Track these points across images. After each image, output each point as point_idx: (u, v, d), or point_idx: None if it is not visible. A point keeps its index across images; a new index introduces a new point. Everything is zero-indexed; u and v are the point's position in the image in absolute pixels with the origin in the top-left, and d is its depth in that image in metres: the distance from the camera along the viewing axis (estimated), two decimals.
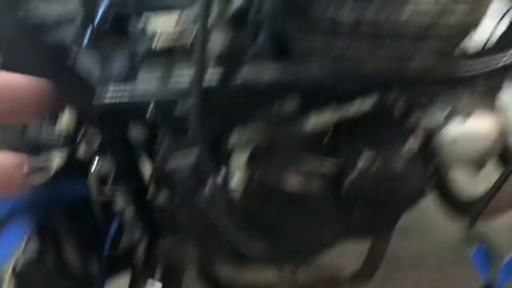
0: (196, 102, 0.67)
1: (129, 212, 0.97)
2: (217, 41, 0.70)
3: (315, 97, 0.77)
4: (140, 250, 1.15)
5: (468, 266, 1.40)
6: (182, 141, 0.80)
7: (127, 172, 0.93)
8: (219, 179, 0.78)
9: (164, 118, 0.79)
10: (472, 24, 0.67)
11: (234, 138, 0.79)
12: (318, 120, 0.73)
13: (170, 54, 0.75)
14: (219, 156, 0.80)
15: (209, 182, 0.76)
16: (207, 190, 0.80)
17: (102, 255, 1.04)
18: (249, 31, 0.76)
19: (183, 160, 0.80)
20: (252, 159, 0.79)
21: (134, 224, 1.07)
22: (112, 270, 1.13)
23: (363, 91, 0.72)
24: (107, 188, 0.92)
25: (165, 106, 0.77)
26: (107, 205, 0.96)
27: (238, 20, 0.75)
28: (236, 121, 0.79)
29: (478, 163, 0.78)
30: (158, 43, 0.75)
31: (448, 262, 1.49)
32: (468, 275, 1.38)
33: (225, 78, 0.70)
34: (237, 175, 0.78)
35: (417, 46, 0.67)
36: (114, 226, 1.03)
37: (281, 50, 0.74)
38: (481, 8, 0.66)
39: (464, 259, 1.46)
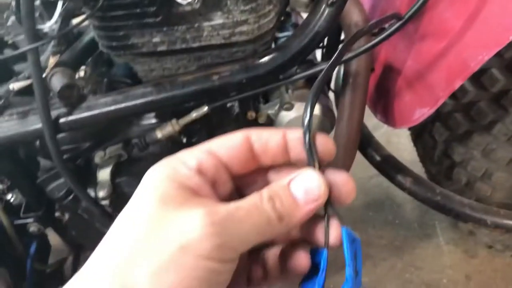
0: (48, 137, 0.67)
1: None
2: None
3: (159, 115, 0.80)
4: (68, 266, 1.13)
5: None
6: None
7: (35, 200, 0.91)
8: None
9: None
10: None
11: (97, 158, 0.79)
12: (165, 131, 0.74)
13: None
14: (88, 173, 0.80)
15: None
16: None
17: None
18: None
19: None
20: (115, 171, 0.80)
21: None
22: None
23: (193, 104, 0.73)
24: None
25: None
26: (23, 231, 0.93)
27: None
28: (96, 143, 0.80)
29: None
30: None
31: None
32: None
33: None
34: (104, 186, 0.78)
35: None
36: (33, 248, 0.99)
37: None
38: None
39: None
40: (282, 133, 0.40)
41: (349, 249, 0.38)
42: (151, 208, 0.34)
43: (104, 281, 0.32)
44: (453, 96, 0.96)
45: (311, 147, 0.39)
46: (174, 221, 0.34)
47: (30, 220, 0.93)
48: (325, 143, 0.40)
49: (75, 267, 1.10)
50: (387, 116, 0.84)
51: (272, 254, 0.42)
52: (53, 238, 1.10)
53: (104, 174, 0.77)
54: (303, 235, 0.41)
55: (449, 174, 1.14)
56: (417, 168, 1.26)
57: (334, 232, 0.39)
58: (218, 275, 0.34)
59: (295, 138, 0.40)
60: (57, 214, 0.92)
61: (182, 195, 0.35)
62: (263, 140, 0.39)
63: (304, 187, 0.37)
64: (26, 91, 0.73)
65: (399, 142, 1.71)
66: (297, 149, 0.40)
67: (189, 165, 0.37)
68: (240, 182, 0.40)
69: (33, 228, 0.94)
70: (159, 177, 0.36)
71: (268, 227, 0.36)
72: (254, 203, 0.36)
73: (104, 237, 0.35)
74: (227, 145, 0.39)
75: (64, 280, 1.11)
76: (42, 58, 0.74)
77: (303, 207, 0.37)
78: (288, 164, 0.41)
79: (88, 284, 0.33)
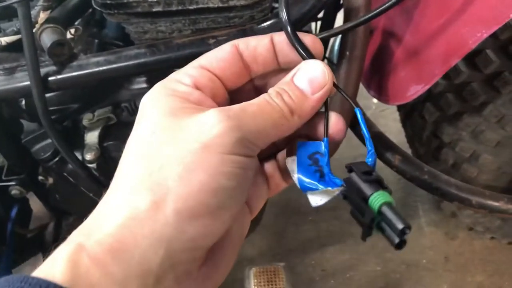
0: (37, 95, 0.65)
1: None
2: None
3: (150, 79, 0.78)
4: (49, 232, 1.11)
5: None
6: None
7: (18, 163, 0.89)
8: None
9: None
10: None
11: (85, 120, 0.78)
12: None
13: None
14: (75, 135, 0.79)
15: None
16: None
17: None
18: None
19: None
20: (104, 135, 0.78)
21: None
22: (23, 253, 1.08)
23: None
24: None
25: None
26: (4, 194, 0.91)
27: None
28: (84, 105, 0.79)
29: None
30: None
31: None
32: None
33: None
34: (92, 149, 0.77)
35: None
36: (14, 211, 0.97)
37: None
38: None
39: None
40: (269, 37, 0.40)
41: (365, 125, 0.39)
42: (164, 119, 0.34)
43: (134, 191, 0.32)
44: (446, 76, 0.96)
45: (300, 41, 0.40)
46: (191, 124, 0.33)
47: (12, 183, 0.91)
48: (311, 39, 0.41)
49: (57, 234, 1.09)
50: (381, 92, 0.84)
51: (282, 156, 0.43)
52: (33, 206, 1.09)
53: (92, 137, 0.76)
54: (308, 133, 0.42)
55: (437, 154, 1.15)
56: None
57: (335, 123, 0.40)
58: (244, 170, 0.34)
59: (282, 39, 0.40)
60: (40, 178, 0.91)
61: (189, 107, 0.35)
62: (251, 47, 0.39)
63: (308, 77, 0.38)
64: (13, 47, 0.71)
65: (386, 125, 1.72)
66: (285, 50, 0.40)
67: (185, 83, 0.36)
68: (237, 101, 0.39)
69: (15, 191, 0.92)
70: (159, 97, 0.35)
71: (282, 121, 0.36)
72: (264, 100, 0.36)
73: (122, 156, 0.35)
74: (217, 58, 0.38)
75: (45, 246, 1.10)
76: (32, 13, 0.71)
77: (312, 97, 0.37)
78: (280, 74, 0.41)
79: (117, 197, 0.33)
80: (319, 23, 0.98)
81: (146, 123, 0.35)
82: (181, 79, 0.37)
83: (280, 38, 0.40)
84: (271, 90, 0.37)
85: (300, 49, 0.39)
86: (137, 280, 0.31)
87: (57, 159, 0.79)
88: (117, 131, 0.78)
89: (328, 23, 0.90)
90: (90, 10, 0.79)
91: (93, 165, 0.76)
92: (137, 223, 0.31)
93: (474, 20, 0.66)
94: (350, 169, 0.37)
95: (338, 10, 0.89)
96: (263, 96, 0.37)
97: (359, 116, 0.40)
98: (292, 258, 1.40)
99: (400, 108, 1.32)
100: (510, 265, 1.37)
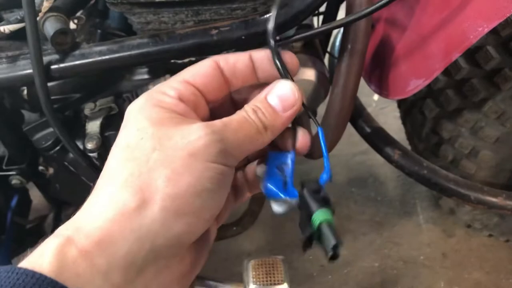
0: (39, 83, 0.65)
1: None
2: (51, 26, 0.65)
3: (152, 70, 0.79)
4: (48, 223, 1.12)
5: None
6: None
7: (19, 153, 0.89)
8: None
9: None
10: None
11: (87, 110, 0.78)
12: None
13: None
14: (77, 125, 0.80)
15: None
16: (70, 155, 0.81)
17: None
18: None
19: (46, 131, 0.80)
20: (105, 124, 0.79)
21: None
22: (22, 244, 1.08)
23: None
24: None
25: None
26: (5, 183, 0.91)
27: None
28: (86, 95, 0.79)
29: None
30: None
31: None
32: None
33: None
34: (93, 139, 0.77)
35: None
36: (14, 201, 0.98)
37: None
38: None
39: None
40: (248, 54, 0.44)
41: (325, 145, 0.43)
42: (151, 127, 0.37)
43: (123, 189, 0.35)
44: (447, 72, 0.97)
45: (280, 59, 0.44)
46: (178, 134, 0.37)
47: (12, 172, 0.92)
48: (289, 57, 0.44)
49: (56, 225, 1.09)
50: (381, 86, 0.84)
51: (250, 169, 0.47)
52: (32, 199, 1.09)
53: (93, 126, 0.76)
54: (277, 145, 0.46)
55: (436, 151, 1.15)
56: None
57: (301, 138, 0.44)
58: (224, 176, 0.38)
59: (260, 56, 0.44)
60: (40, 168, 0.91)
61: (174, 117, 0.38)
62: (231, 63, 0.43)
63: (279, 96, 0.42)
64: (16, 36, 0.71)
65: (386, 122, 1.72)
66: (263, 66, 0.44)
67: (170, 95, 0.39)
68: (216, 115, 0.43)
69: (15, 180, 0.92)
70: (146, 107, 0.38)
71: (257, 136, 0.40)
72: (242, 116, 0.40)
73: (108, 158, 0.38)
74: (199, 73, 0.42)
75: (44, 237, 1.10)
76: (36, 1, 0.71)
77: (283, 115, 0.42)
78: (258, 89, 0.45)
79: (105, 194, 0.35)
80: (320, 17, 0.98)
81: (134, 130, 0.38)
82: (167, 92, 0.40)
83: (259, 55, 0.44)
84: (247, 107, 0.41)
85: (279, 65, 0.43)
86: (121, 272, 0.33)
87: (58, 148, 0.80)
88: (119, 121, 0.78)
89: (330, 16, 0.91)
90: (93, 0, 0.79)
91: (94, 154, 0.76)
92: (126, 218, 0.34)
93: (475, 15, 0.67)
94: (302, 185, 0.41)
95: (341, 3, 0.90)
96: (241, 113, 0.41)
97: (320, 135, 0.44)
98: (290, 253, 1.41)
99: (400, 104, 1.32)
100: (507, 262, 1.38)
